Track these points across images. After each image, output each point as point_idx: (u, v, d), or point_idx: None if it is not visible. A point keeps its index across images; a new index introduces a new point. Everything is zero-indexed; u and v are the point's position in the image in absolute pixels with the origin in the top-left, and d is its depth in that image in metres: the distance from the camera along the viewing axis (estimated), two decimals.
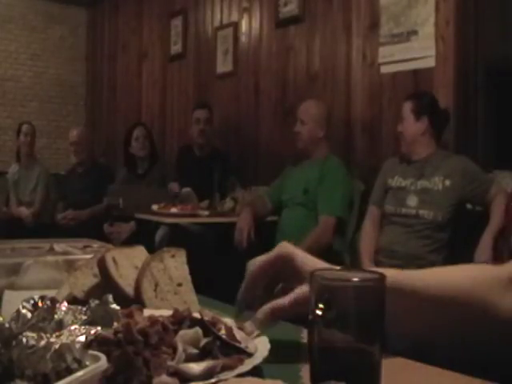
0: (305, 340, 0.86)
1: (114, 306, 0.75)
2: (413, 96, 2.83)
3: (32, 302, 0.70)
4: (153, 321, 0.76)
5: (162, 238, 3.75)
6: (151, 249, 1.18)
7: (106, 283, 1.05)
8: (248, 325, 0.81)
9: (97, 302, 0.75)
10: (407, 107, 2.79)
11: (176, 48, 5.19)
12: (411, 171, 2.74)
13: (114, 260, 1.06)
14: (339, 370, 0.60)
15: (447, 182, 2.62)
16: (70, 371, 0.58)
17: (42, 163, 5.26)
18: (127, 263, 1.08)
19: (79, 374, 0.56)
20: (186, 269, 1.07)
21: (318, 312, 0.60)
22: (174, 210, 3.44)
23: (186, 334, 0.75)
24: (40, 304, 0.70)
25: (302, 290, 0.75)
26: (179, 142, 4.85)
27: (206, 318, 0.80)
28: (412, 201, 2.68)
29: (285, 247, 0.82)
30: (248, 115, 4.37)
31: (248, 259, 0.92)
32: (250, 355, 0.77)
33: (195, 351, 0.74)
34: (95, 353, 0.62)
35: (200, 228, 3.54)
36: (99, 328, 0.68)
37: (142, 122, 4.95)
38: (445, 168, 2.65)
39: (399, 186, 2.75)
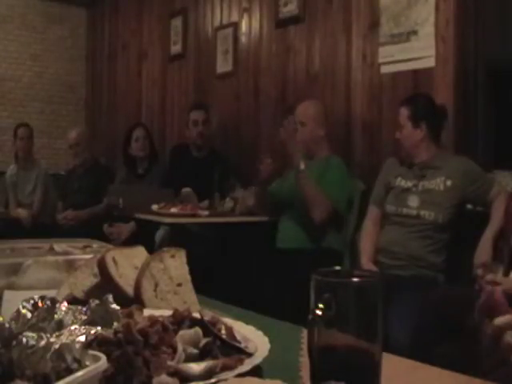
0: (305, 340, 0.86)
1: (114, 306, 0.75)
2: (408, 101, 2.78)
3: (32, 302, 0.70)
4: (153, 321, 0.76)
5: (162, 238, 3.75)
6: (151, 249, 1.18)
7: (106, 283, 1.05)
8: None
9: (97, 301, 0.75)
10: (404, 114, 2.75)
11: (176, 48, 5.19)
12: (413, 173, 2.73)
13: (114, 260, 1.06)
14: (339, 370, 0.60)
15: (449, 183, 2.61)
16: (69, 371, 0.58)
17: (41, 164, 5.25)
18: (127, 263, 1.08)
19: (79, 373, 0.56)
20: (186, 269, 1.07)
21: (318, 312, 0.60)
22: (173, 209, 3.44)
23: (185, 333, 0.75)
24: (40, 304, 0.70)
25: None
26: (178, 141, 4.84)
27: (205, 318, 0.80)
28: (413, 201, 2.67)
29: None
30: (248, 115, 4.37)
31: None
32: (249, 355, 0.77)
33: (195, 351, 0.74)
34: (95, 353, 0.62)
35: (200, 228, 3.54)
36: (99, 328, 0.68)
37: (141, 123, 4.94)
38: (446, 169, 2.65)
39: (401, 186, 2.74)
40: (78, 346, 0.61)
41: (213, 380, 0.68)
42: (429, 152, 2.72)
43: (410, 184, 2.72)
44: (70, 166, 5.13)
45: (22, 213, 4.87)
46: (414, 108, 2.73)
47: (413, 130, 2.72)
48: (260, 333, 0.85)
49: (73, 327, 0.66)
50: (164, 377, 0.66)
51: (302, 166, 3.00)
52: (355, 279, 0.63)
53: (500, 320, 0.90)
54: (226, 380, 0.68)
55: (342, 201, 3.09)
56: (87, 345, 0.63)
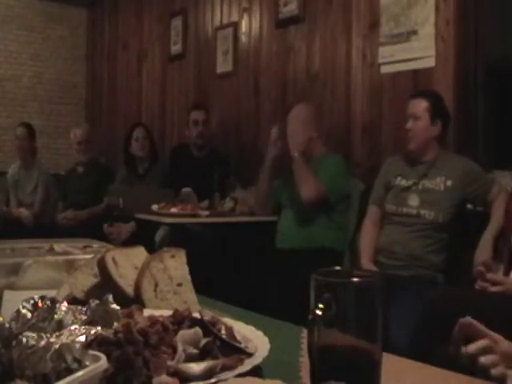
0: (305, 340, 0.86)
1: (114, 306, 0.75)
2: (427, 95, 2.73)
3: (32, 302, 0.70)
4: (153, 321, 0.76)
5: (162, 238, 3.75)
6: (151, 249, 1.18)
7: (106, 283, 1.05)
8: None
9: (97, 302, 0.75)
10: (421, 105, 2.68)
11: (176, 48, 5.19)
12: (414, 172, 2.72)
13: (114, 260, 1.06)
14: (339, 370, 0.60)
15: (449, 183, 2.61)
16: (70, 371, 0.58)
17: (42, 164, 5.25)
18: (127, 263, 1.08)
19: (79, 374, 0.56)
20: (185, 269, 1.07)
21: (318, 312, 0.60)
22: (173, 209, 3.44)
23: (185, 333, 0.75)
24: (40, 304, 0.70)
25: None
26: (179, 141, 4.85)
27: (205, 318, 0.80)
28: (413, 201, 2.67)
29: None
30: (248, 115, 4.37)
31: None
32: (249, 355, 0.77)
33: (195, 351, 0.74)
34: (95, 353, 0.62)
35: (200, 228, 3.54)
36: (99, 328, 0.68)
37: (141, 122, 4.95)
38: (447, 169, 2.65)
39: (401, 185, 2.74)
40: (78, 346, 0.61)
41: (213, 380, 0.68)
42: (434, 151, 2.71)
43: (410, 182, 2.71)
44: (70, 165, 5.12)
45: (23, 212, 4.86)
46: (434, 103, 2.69)
47: (429, 125, 2.68)
48: (260, 333, 0.85)
49: (73, 327, 0.67)
50: (164, 377, 0.66)
51: (297, 154, 3.08)
52: (355, 279, 0.63)
53: (472, 347, 0.94)
54: (226, 380, 0.68)
55: (334, 188, 3.08)
56: (87, 345, 0.63)
